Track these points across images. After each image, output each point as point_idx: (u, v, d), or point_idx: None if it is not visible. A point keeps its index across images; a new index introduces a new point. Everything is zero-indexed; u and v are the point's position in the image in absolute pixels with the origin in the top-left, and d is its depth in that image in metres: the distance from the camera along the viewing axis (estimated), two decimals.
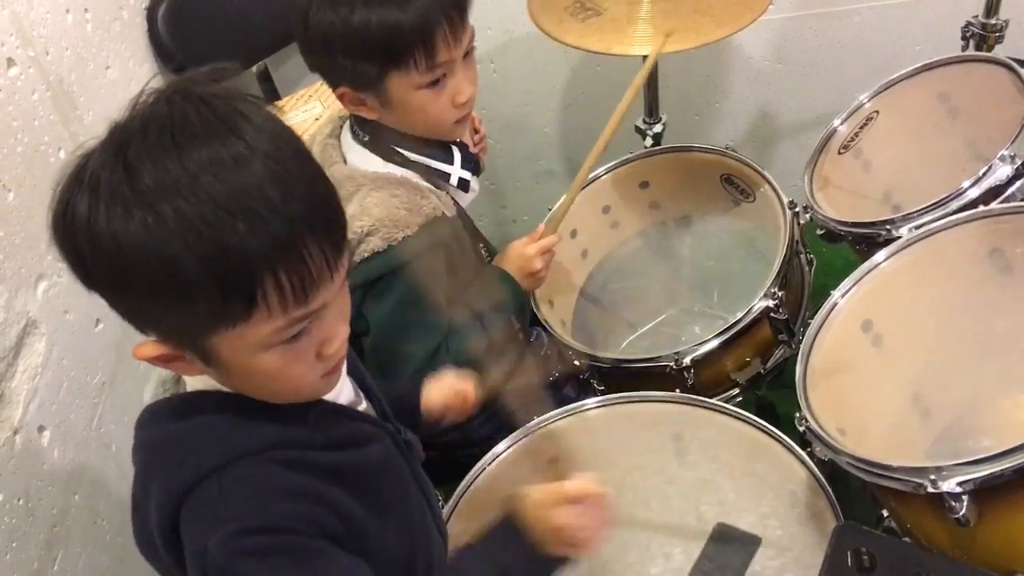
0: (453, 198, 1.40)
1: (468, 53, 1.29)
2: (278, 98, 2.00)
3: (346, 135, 1.37)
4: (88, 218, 0.72)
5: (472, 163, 1.41)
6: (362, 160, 1.33)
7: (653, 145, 1.82)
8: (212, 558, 0.79)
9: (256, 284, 0.74)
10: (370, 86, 1.25)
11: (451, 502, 1.25)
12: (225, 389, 0.86)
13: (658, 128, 1.83)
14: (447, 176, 1.37)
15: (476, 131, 1.57)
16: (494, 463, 1.30)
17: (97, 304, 1.34)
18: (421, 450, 1.06)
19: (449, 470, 1.28)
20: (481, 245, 1.51)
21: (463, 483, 1.28)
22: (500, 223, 2.48)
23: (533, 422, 1.33)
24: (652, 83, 1.79)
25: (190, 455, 0.84)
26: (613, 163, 1.73)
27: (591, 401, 1.38)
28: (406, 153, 1.33)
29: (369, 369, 1.07)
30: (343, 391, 0.96)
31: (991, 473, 0.94)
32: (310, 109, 1.86)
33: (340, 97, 1.29)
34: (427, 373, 1.23)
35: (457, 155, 1.38)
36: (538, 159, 2.38)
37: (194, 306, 0.74)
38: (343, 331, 0.86)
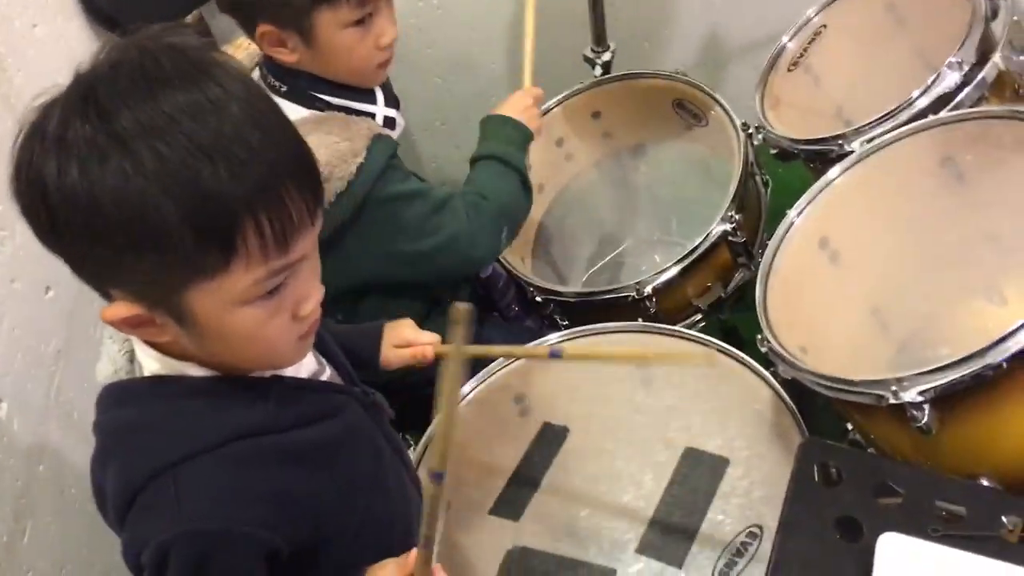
0: None
1: None
2: (216, 48, 1.94)
3: None
4: (59, 176, 0.70)
5: (394, 100, 1.40)
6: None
7: (603, 74, 1.80)
8: (154, 554, 0.78)
9: (237, 229, 0.72)
10: (296, 22, 1.22)
11: (420, 447, 1.25)
12: (187, 372, 0.83)
13: (607, 56, 1.80)
14: (372, 116, 1.35)
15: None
16: (461, 403, 1.30)
17: (46, 270, 1.34)
18: (388, 408, 1.05)
19: (415, 412, 1.27)
20: None
21: (431, 427, 1.28)
22: (454, 163, 2.44)
23: (498, 360, 1.33)
24: (599, 10, 1.76)
25: (147, 447, 0.82)
26: (564, 95, 1.71)
27: (553, 336, 1.38)
28: (327, 98, 1.31)
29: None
30: (304, 363, 0.94)
31: (950, 381, 0.95)
32: (254, 57, 1.81)
33: (260, 37, 1.26)
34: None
35: (379, 94, 1.37)
36: (489, 96, 2.32)
37: (172, 255, 0.72)
38: (318, 291, 0.84)
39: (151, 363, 0.85)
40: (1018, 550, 0.90)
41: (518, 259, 1.59)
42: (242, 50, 1.84)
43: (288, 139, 0.78)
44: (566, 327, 1.47)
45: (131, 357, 0.89)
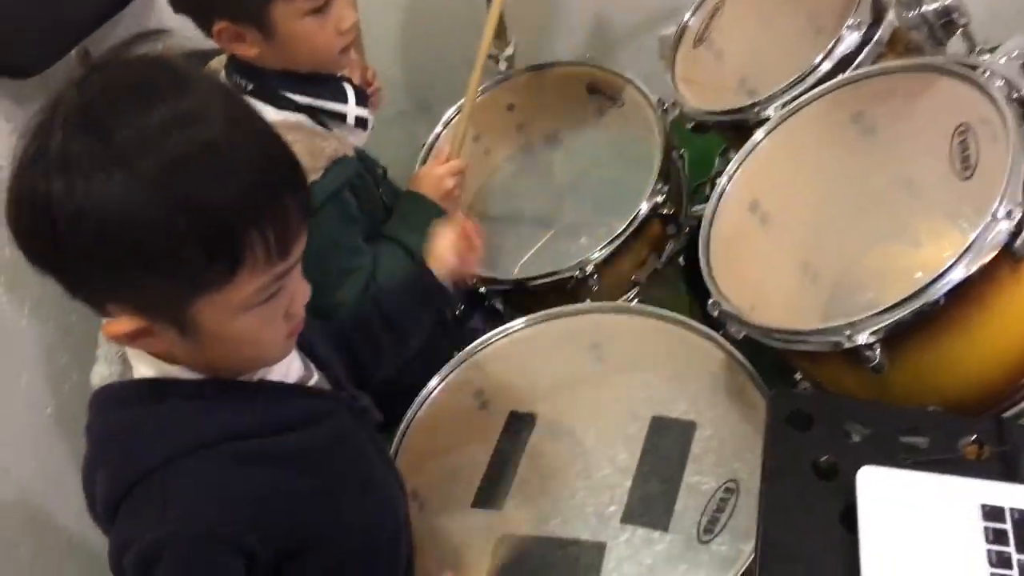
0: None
1: None
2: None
3: None
4: (67, 195, 0.69)
5: (366, 100, 1.38)
6: None
7: (508, 68, 1.82)
8: (137, 557, 0.78)
9: (243, 242, 0.73)
10: (253, 17, 1.20)
11: (393, 447, 1.25)
12: (177, 375, 0.84)
13: (509, 51, 1.82)
14: (343, 116, 1.34)
15: (369, 84, 1.55)
16: (427, 402, 1.32)
17: None
18: (377, 413, 1.05)
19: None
20: (380, 191, 1.48)
21: (400, 428, 1.28)
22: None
23: (455, 357, 1.35)
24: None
25: (133, 452, 0.82)
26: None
27: (496, 332, 1.39)
28: (296, 98, 1.29)
29: None
30: (292, 368, 0.95)
31: (896, 320, 1.01)
32: None
33: (217, 34, 1.23)
34: (358, 312, 1.21)
35: (350, 92, 1.35)
36: (387, 103, 2.33)
37: (181, 272, 0.73)
38: (306, 288, 0.87)
39: (143, 367, 0.85)
40: (976, 466, 0.98)
41: None
42: None
43: (276, 144, 0.79)
44: (508, 315, 1.49)
45: (125, 358, 0.89)
